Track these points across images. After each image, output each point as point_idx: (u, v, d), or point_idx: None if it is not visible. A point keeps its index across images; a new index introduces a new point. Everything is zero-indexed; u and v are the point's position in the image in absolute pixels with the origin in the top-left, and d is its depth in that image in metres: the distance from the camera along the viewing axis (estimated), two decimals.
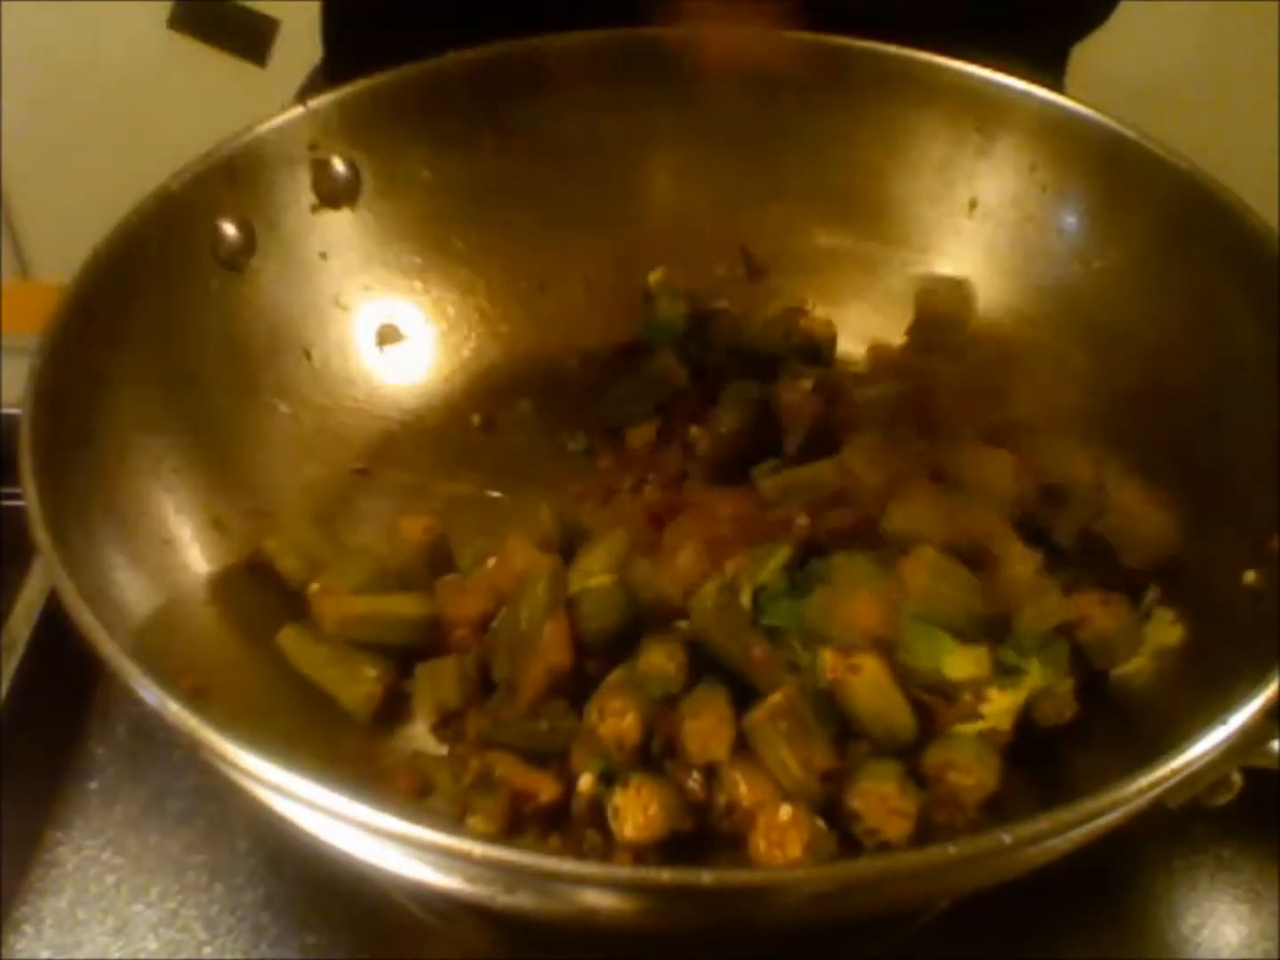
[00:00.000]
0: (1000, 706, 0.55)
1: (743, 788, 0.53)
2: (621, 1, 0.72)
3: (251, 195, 0.68)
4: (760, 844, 0.52)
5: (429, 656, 0.59)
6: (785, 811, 0.52)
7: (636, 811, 0.53)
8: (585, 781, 0.55)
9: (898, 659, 0.55)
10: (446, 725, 0.58)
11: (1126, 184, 0.68)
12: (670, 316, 0.74)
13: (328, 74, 0.90)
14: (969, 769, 0.54)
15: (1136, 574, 0.61)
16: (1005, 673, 0.56)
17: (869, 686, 0.54)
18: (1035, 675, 0.56)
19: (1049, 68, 0.80)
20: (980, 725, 0.55)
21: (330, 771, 0.43)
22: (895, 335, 0.74)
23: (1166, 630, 0.58)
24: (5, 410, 0.69)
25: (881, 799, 0.52)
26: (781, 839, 0.51)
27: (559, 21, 0.72)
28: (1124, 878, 0.61)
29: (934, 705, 0.55)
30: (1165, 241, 0.66)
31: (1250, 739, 0.45)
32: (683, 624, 0.58)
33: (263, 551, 0.62)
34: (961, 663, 0.55)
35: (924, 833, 0.53)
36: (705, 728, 0.54)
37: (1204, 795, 0.48)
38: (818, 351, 0.74)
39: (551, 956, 0.59)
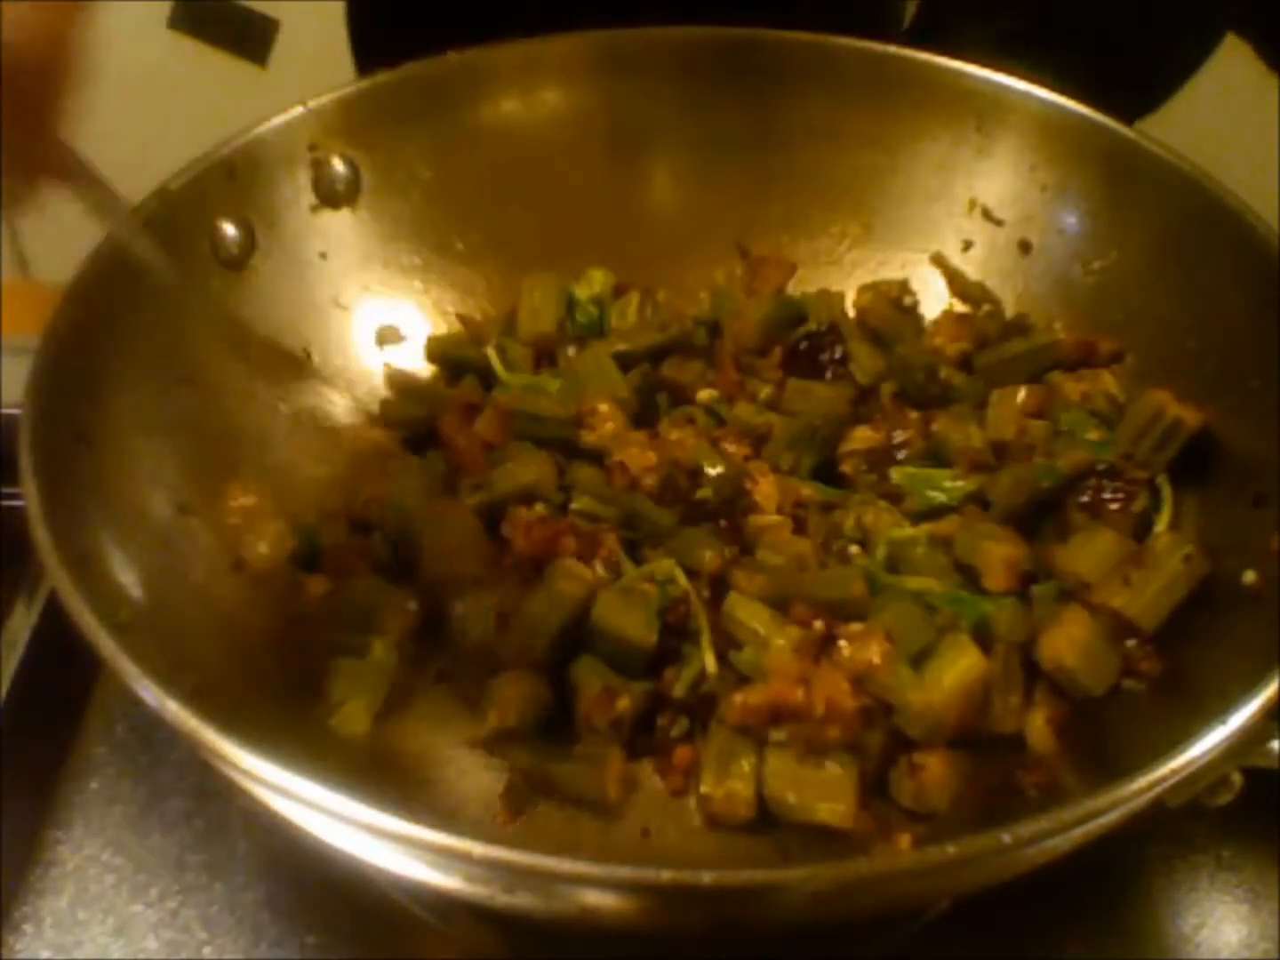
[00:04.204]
0: None
1: None
2: (623, 3, 0.72)
3: (251, 195, 0.68)
4: None
5: None
6: None
7: None
8: None
9: None
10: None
11: (1127, 184, 0.68)
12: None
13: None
14: None
15: None
16: None
17: None
18: None
19: None
20: None
21: (330, 771, 0.43)
22: None
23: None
24: (5, 410, 0.69)
25: None
26: None
27: (561, 21, 0.72)
28: (1124, 878, 0.61)
29: None
30: (1165, 242, 0.66)
31: (1250, 739, 0.45)
32: None
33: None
34: None
35: None
36: None
37: (1204, 795, 0.48)
38: None
39: (551, 956, 0.59)
